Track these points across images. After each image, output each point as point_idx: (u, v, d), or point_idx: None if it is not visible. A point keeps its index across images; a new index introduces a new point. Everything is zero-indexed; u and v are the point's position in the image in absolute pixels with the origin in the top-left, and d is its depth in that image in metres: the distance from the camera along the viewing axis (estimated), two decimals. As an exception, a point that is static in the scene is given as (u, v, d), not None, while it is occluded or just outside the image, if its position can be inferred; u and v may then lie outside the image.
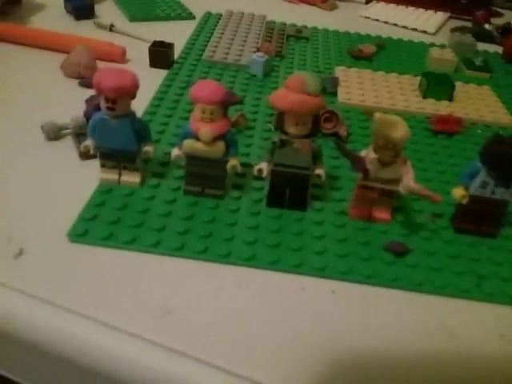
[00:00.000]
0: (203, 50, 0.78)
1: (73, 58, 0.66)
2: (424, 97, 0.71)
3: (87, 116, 0.55)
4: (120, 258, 0.41)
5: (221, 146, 0.44)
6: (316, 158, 0.45)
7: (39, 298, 0.37)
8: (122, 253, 0.41)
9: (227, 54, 0.77)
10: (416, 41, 0.95)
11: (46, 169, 0.50)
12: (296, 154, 0.45)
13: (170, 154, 0.51)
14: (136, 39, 0.81)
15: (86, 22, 0.85)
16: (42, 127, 0.53)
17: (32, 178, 0.49)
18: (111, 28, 0.83)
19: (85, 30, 0.82)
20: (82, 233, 0.42)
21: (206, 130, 0.43)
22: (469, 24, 1.08)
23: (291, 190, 0.47)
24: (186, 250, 0.42)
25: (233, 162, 0.46)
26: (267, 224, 0.46)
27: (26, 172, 0.49)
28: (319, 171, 0.46)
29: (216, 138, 0.44)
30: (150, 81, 0.68)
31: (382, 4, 1.13)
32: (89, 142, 0.46)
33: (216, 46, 0.79)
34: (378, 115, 0.41)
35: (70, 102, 0.61)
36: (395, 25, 1.04)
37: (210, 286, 0.40)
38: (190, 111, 0.62)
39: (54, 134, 0.54)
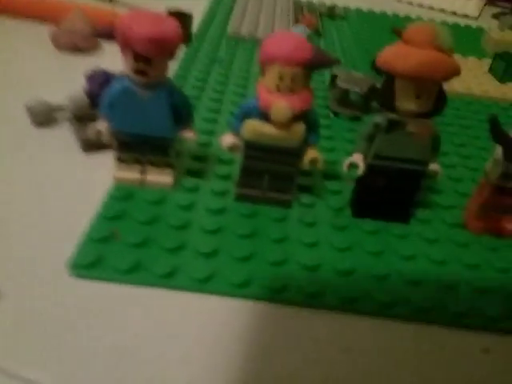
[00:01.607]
0: (225, 24, 0.64)
1: (67, 26, 0.51)
2: (501, 80, 0.58)
3: (91, 95, 0.40)
4: (151, 301, 0.26)
5: (300, 129, 0.30)
6: (433, 147, 0.32)
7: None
8: (154, 292, 0.27)
9: (255, 28, 0.63)
10: (462, 25, 0.83)
11: (33, 165, 0.35)
12: (409, 141, 0.30)
13: (203, 144, 0.37)
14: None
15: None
16: (29, 108, 0.38)
17: (13, 179, 0.33)
18: (110, -2, 0.68)
19: (79, 1, 0.66)
20: (91, 262, 0.27)
21: (283, 105, 0.29)
22: (506, 10, 0.98)
23: (393, 193, 0.33)
24: (252, 288, 0.27)
25: (313, 154, 0.31)
26: (362, 243, 0.31)
27: (5, 171, 0.34)
28: (435, 166, 0.32)
29: (294, 118, 0.30)
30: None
31: (412, -13, 1.00)
32: (101, 125, 0.31)
33: (241, 20, 0.65)
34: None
35: (64, 80, 0.46)
36: (431, 8, 0.92)
37: (278, 333, 0.25)
38: (220, 92, 0.47)
39: (44, 116, 0.39)
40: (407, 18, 0.80)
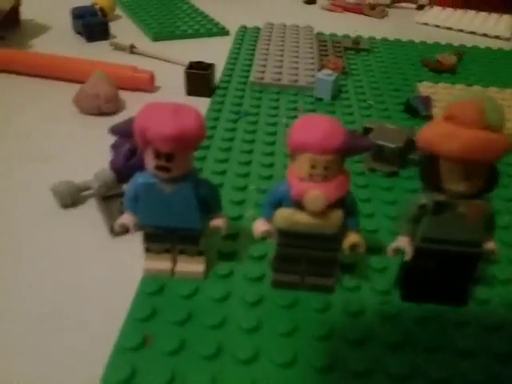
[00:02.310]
0: (248, 71, 0.63)
1: (89, 88, 0.50)
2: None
3: (116, 168, 0.39)
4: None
5: (337, 216, 0.28)
6: (488, 225, 0.29)
7: None
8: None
9: (279, 73, 0.61)
10: (493, 47, 0.79)
11: (61, 254, 0.34)
12: (460, 222, 0.28)
13: (235, 218, 0.35)
14: (163, 61, 0.65)
15: (100, 43, 0.70)
16: (55, 192, 0.37)
17: (42, 273, 0.32)
18: (132, 49, 0.67)
19: (100, 53, 0.66)
20: (124, 379, 0.25)
21: (317, 195, 0.27)
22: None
23: (446, 276, 0.30)
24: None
25: (354, 239, 0.29)
26: (417, 336, 0.29)
27: (32, 262, 0.33)
28: (491, 245, 0.29)
29: (331, 205, 0.27)
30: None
31: (437, 9, 0.97)
32: (127, 218, 0.29)
33: (264, 66, 0.63)
34: None
35: (89, 149, 0.45)
36: (461, 30, 0.88)
37: None
38: (250, 152, 0.45)
39: (71, 199, 0.38)
40: (436, 46, 0.77)
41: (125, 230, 0.30)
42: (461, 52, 0.72)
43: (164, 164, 0.27)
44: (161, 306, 0.29)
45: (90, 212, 0.37)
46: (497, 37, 0.86)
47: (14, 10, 0.72)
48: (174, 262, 0.31)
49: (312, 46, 0.70)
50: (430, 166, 0.27)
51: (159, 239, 0.30)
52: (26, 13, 0.76)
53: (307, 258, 0.30)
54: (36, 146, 0.46)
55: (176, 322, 0.28)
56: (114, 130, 0.27)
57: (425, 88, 0.60)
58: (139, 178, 0.28)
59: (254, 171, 0.43)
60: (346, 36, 0.78)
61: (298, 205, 0.28)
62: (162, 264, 0.31)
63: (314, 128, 0.26)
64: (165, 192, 0.28)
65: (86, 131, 0.48)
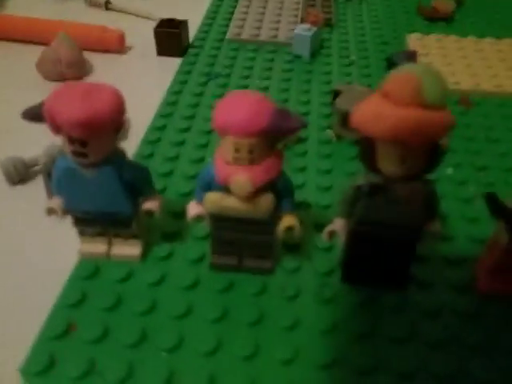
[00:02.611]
0: (226, 28, 0.59)
1: (51, 52, 0.48)
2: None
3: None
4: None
5: (267, 200, 0.26)
6: (429, 207, 0.27)
7: None
8: (111, 399, 0.24)
9: (259, 29, 0.58)
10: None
11: (1, 235, 0.33)
12: (397, 205, 0.26)
13: (186, 194, 0.34)
14: (139, 18, 0.62)
15: (76, 1, 0.67)
16: (1, 166, 0.36)
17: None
18: (107, 5, 0.64)
19: (73, 11, 0.64)
20: (42, 369, 0.25)
21: (241, 180, 0.25)
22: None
23: (384, 260, 0.29)
24: (220, 391, 0.25)
25: (288, 222, 0.27)
26: (350, 322, 0.28)
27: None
28: (434, 227, 0.27)
29: (260, 189, 0.26)
30: (159, 76, 0.50)
31: None
32: (54, 203, 0.28)
33: (243, 21, 0.60)
34: None
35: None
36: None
37: None
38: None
39: (18, 175, 0.37)
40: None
41: (56, 215, 0.29)
42: (462, -3, 0.66)
43: (79, 150, 0.25)
44: (92, 291, 0.29)
45: (37, 188, 0.36)
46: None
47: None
48: (110, 244, 0.31)
49: (298, 1, 0.66)
50: (366, 147, 0.25)
51: (90, 223, 0.29)
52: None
53: (243, 241, 0.29)
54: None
55: (103, 309, 0.28)
56: (26, 114, 0.26)
57: (413, 40, 0.56)
58: (60, 162, 0.27)
59: (215, 142, 0.41)
60: (339, -17, 0.73)
61: (226, 189, 0.26)
62: (98, 247, 0.30)
63: (236, 109, 0.24)
64: (86, 177, 0.27)
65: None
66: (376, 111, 0.23)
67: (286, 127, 0.24)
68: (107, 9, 0.64)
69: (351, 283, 0.30)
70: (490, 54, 0.53)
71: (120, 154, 0.27)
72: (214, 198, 0.27)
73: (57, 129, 0.24)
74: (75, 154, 0.25)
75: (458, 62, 0.52)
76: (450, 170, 0.38)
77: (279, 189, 0.27)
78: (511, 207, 0.25)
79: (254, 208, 0.26)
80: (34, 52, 0.51)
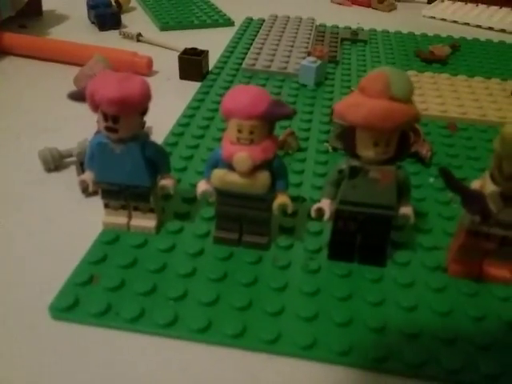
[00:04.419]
0: (243, 59, 0.66)
1: (87, 69, 0.56)
2: (523, 104, 0.56)
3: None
4: (121, 344, 0.28)
5: (264, 177, 0.31)
6: (402, 191, 0.32)
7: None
8: (124, 335, 0.29)
9: (271, 61, 0.65)
10: (495, 40, 0.79)
11: (38, 211, 0.39)
12: (373, 186, 0.31)
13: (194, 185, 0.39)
14: (166, 49, 0.70)
15: (112, 32, 0.75)
16: (39, 155, 0.42)
17: (19, 225, 0.37)
18: (138, 38, 0.72)
19: (109, 41, 0.71)
20: (68, 305, 0.29)
21: (243, 156, 0.30)
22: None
23: (364, 237, 0.33)
24: (212, 333, 0.29)
25: (282, 200, 0.32)
26: (331, 287, 0.32)
27: (13, 217, 0.38)
28: (406, 210, 0.32)
29: (258, 167, 0.31)
30: (180, 96, 0.57)
31: (447, 2, 0.97)
32: (87, 175, 0.34)
33: (258, 54, 0.67)
34: (509, 129, 0.27)
35: (81, 123, 0.50)
36: (466, 24, 0.89)
37: (248, 390, 0.26)
38: (223, 130, 0.49)
39: (53, 162, 0.42)
40: (435, 38, 0.78)
41: (86, 187, 0.34)
42: (457, 44, 0.73)
43: (111, 125, 0.31)
44: (112, 252, 0.34)
45: (71, 175, 0.42)
46: (502, 30, 0.86)
47: (36, 1, 0.79)
48: (130, 217, 0.36)
49: (310, 36, 0.73)
50: (347, 134, 0.30)
51: (115, 196, 0.35)
52: (49, 3, 0.82)
53: (243, 216, 0.34)
54: (38, 119, 0.51)
55: (121, 266, 0.32)
56: (71, 95, 0.32)
57: (410, 77, 0.62)
58: (94, 139, 0.33)
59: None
60: (347, 28, 0.80)
61: (230, 166, 0.31)
62: (119, 219, 0.36)
63: (241, 96, 0.30)
64: (115, 151, 0.32)
65: (80, 107, 0.53)
66: (353, 102, 0.29)
67: (279, 112, 0.30)
68: (138, 41, 0.72)
69: (336, 259, 0.34)
70: (478, 89, 0.59)
71: (144, 135, 0.33)
72: (219, 174, 0.32)
73: (95, 106, 0.30)
74: (108, 129, 0.31)
75: (448, 94, 0.57)
76: (431, 179, 0.43)
77: (274, 169, 0.32)
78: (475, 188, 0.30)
79: (253, 183, 0.31)
80: (73, 71, 0.58)
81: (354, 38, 0.75)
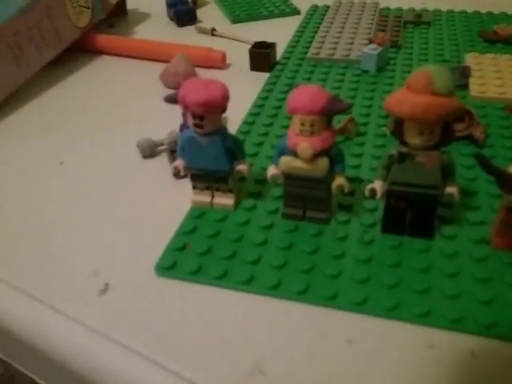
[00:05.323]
0: (308, 48, 0.71)
1: (171, 67, 0.63)
2: None
3: (183, 129, 0.51)
4: (209, 296, 0.36)
5: (324, 163, 0.37)
6: (447, 173, 0.36)
7: (124, 346, 0.33)
8: (211, 289, 0.36)
9: (334, 49, 0.69)
10: None
11: (138, 191, 0.47)
12: (420, 169, 0.36)
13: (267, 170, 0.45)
14: (238, 42, 0.76)
15: (189, 27, 0.83)
16: (138, 145, 0.51)
17: (123, 202, 0.46)
18: (213, 32, 0.79)
19: (187, 36, 0.79)
20: (169, 265, 0.37)
21: (305, 146, 0.36)
22: None
23: (414, 213, 0.38)
24: (282, 289, 0.35)
25: (339, 181, 0.38)
26: (383, 256, 0.37)
27: (117, 195, 0.47)
28: (452, 189, 0.37)
29: (318, 154, 0.37)
30: (251, 86, 0.63)
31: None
32: (179, 162, 0.41)
33: (322, 42, 0.71)
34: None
35: (169, 115, 0.58)
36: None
37: (312, 336, 0.33)
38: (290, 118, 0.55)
39: (149, 150, 0.51)
40: (502, 16, 0.78)
41: (179, 172, 0.42)
42: (524, 21, 0.73)
43: (198, 123, 0.38)
44: (199, 225, 0.41)
45: (163, 162, 0.50)
46: None
47: (122, 1, 0.88)
48: (212, 196, 0.43)
49: (372, 21, 0.77)
50: (396, 125, 0.35)
51: (201, 179, 0.42)
52: (132, 2, 0.91)
53: (306, 196, 0.40)
54: (130, 112, 0.60)
55: (207, 236, 0.40)
56: (166, 98, 0.39)
57: (471, 58, 0.64)
58: (185, 134, 0.40)
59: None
60: (411, 10, 0.82)
61: (294, 154, 0.37)
62: (204, 198, 0.43)
63: (303, 95, 0.36)
64: (201, 143, 0.39)
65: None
66: (399, 97, 0.34)
67: (336, 108, 0.36)
68: (212, 35, 0.79)
69: (389, 232, 0.39)
70: (540, 69, 0.60)
71: (224, 128, 0.40)
72: (286, 160, 0.38)
73: (185, 107, 0.37)
74: (195, 125, 0.38)
75: (508, 76, 0.59)
76: (484, 160, 0.47)
77: (332, 155, 0.37)
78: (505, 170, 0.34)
79: (314, 168, 0.37)
80: (158, 67, 0.66)
81: (418, 20, 0.77)
